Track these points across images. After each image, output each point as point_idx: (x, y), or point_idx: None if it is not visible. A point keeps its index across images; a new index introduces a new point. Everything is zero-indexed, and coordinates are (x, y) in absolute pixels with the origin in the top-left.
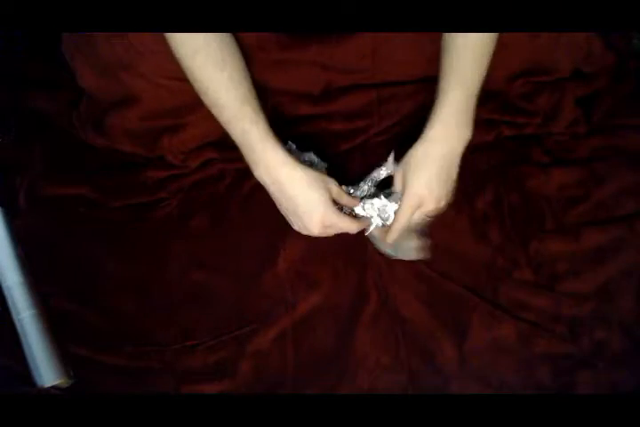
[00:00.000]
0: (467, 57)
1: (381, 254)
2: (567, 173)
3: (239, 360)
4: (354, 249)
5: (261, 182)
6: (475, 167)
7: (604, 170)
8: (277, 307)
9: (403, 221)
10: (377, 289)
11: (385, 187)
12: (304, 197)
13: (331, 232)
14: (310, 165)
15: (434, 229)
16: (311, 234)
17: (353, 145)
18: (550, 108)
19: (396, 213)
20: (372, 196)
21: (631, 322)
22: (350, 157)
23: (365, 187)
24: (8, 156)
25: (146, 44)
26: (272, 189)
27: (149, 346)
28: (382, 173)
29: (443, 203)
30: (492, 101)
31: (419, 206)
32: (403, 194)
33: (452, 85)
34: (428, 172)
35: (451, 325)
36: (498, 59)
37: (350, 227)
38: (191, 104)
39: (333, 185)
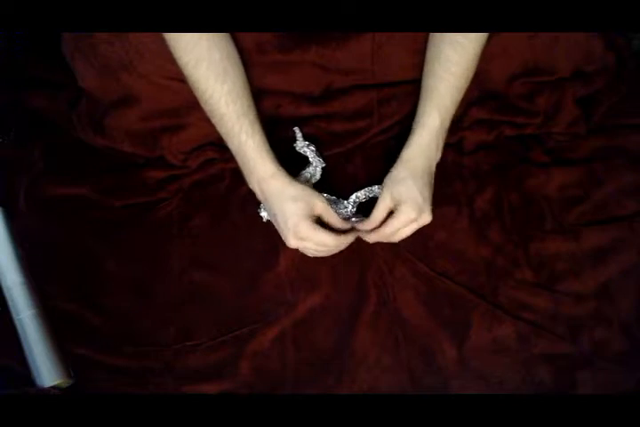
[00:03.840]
0: (449, 81)
1: (382, 254)
2: (567, 173)
3: (239, 360)
4: (354, 249)
5: (253, 191)
6: (475, 167)
7: (604, 170)
8: (277, 307)
9: (378, 213)
10: (377, 289)
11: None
12: (283, 207)
13: (308, 247)
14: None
15: (434, 229)
16: (288, 245)
17: (353, 145)
18: (550, 108)
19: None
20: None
21: (631, 322)
22: (350, 157)
23: (349, 207)
24: (8, 156)
25: (146, 45)
26: (260, 198)
27: (149, 346)
28: (362, 194)
29: (426, 213)
30: (492, 101)
31: (396, 202)
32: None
33: (431, 109)
34: (408, 182)
35: (451, 325)
36: (498, 59)
37: (327, 241)
38: (191, 104)
39: (319, 202)
